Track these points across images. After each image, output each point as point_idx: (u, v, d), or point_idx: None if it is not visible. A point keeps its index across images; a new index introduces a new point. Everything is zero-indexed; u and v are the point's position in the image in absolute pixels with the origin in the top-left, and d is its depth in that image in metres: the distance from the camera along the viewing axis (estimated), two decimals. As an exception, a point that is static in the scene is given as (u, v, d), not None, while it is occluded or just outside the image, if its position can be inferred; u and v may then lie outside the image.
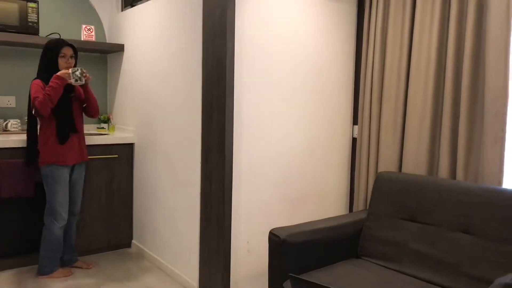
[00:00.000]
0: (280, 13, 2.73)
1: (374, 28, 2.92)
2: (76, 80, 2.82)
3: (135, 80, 3.63)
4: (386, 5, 2.87)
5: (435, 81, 2.60)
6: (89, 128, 3.92)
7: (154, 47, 3.32)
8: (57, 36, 3.38)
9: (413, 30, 2.72)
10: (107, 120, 3.99)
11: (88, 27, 3.74)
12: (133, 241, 3.74)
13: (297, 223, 2.54)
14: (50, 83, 2.81)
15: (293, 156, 2.88)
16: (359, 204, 3.03)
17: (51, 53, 2.90)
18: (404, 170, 2.77)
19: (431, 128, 2.64)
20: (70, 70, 2.82)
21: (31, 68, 3.81)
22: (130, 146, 3.67)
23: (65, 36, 3.82)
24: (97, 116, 3.20)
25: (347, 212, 3.22)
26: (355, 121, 3.19)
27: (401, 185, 2.55)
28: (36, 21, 3.44)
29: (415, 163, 2.71)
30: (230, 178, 2.58)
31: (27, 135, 3.04)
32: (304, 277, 1.54)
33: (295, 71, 2.84)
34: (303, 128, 2.92)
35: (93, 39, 3.76)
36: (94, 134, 3.62)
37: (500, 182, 2.33)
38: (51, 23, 3.81)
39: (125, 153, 3.64)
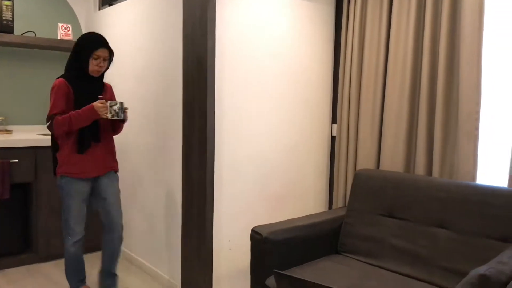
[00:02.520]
0: (260, 14, 2.75)
1: (352, 28, 2.98)
2: (113, 116, 2.44)
3: (113, 80, 3.60)
4: (363, 5, 2.93)
5: (412, 81, 2.67)
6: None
7: (133, 46, 3.30)
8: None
9: (390, 30, 2.78)
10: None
11: (65, 26, 3.69)
12: (112, 242, 3.70)
13: (278, 221, 2.58)
14: (80, 112, 2.44)
15: (273, 155, 2.91)
16: (339, 201, 3.09)
17: (84, 52, 2.49)
18: (382, 167, 2.83)
19: (408, 126, 2.71)
20: (108, 103, 2.44)
21: (7, 68, 3.74)
22: (109, 146, 3.63)
23: (41, 34, 3.76)
24: (118, 134, 2.78)
25: (327, 209, 3.27)
26: (334, 120, 3.24)
27: (379, 182, 2.61)
28: (11, 19, 3.38)
29: (393, 161, 2.77)
30: (212, 177, 2.59)
31: (51, 141, 2.67)
32: (287, 273, 1.57)
33: (275, 71, 2.87)
34: (283, 127, 2.95)
35: (70, 38, 3.71)
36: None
37: (474, 178, 2.41)
38: (27, 21, 3.74)
39: (104, 153, 3.60)
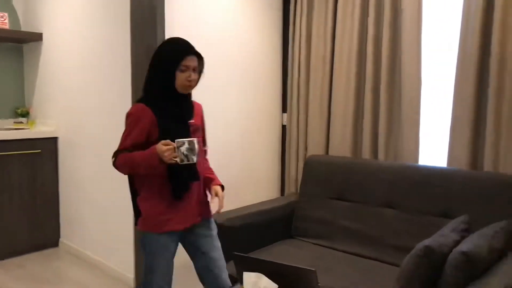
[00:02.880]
0: (210, 4, 2.74)
1: (300, 19, 3.04)
2: (183, 160, 1.74)
3: (57, 71, 3.45)
4: (310, -4, 3.00)
5: (357, 70, 2.78)
6: (4, 123, 3.67)
7: (78, 35, 3.18)
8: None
9: (336, 20, 2.87)
10: (26, 114, 3.75)
11: (1, 14, 3.49)
12: (60, 239, 3.57)
13: (233, 208, 2.60)
14: (139, 160, 1.80)
15: (226, 145, 2.93)
16: (291, 187, 3.16)
17: (168, 63, 1.85)
18: (331, 153, 2.93)
19: (354, 114, 2.81)
20: (175, 143, 1.73)
21: None
22: (54, 140, 3.49)
23: (-26, 23, 3.52)
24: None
25: (280, 195, 3.34)
26: (284, 109, 3.31)
27: (329, 167, 2.70)
28: None
29: (341, 147, 2.88)
30: (164, 167, 2.56)
31: (128, 181, 2.04)
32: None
33: (226, 62, 2.88)
34: (235, 117, 2.97)
35: (7, 27, 3.51)
36: (11, 129, 3.40)
37: (416, 159, 2.56)
38: (-43, 10, 3.50)
39: (48, 148, 3.46)
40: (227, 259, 2.35)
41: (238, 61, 2.96)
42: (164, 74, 1.85)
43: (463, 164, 2.35)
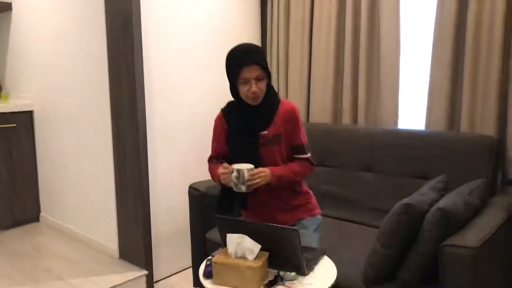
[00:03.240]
0: (185, -33, 2.67)
1: (278, -15, 3.00)
2: (234, 187, 1.71)
3: (29, 43, 3.34)
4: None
5: (336, 38, 2.77)
6: (-23, 97, 3.56)
7: (50, 5, 3.07)
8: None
9: (314, -14, 2.84)
10: (-2, 88, 3.64)
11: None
12: (41, 214, 3.53)
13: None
14: (213, 172, 1.88)
15: (207, 116, 2.89)
16: (272, 156, 3.17)
17: (229, 77, 1.81)
18: (311, 120, 2.94)
19: (334, 81, 2.82)
20: (233, 171, 1.69)
21: None
22: (29, 114, 3.41)
23: None
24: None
25: (261, 165, 3.34)
26: (263, 78, 3.28)
27: (309, 134, 2.69)
28: None
29: (321, 113, 2.89)
30: (145, 140, 2.54)
31: None
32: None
33: (204, 35, 2.82)
34: (216, 89, 2.94)
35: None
36: (-16, 104, 3.30)
37: (396, 124, 2.59)
38: None
39: (23, 122, 3.38)
40: (209, 228, 2.37)
41: (217, 33, 2.91)
42: (230, 87, 1.82)
43: (441, 127, 2.39)
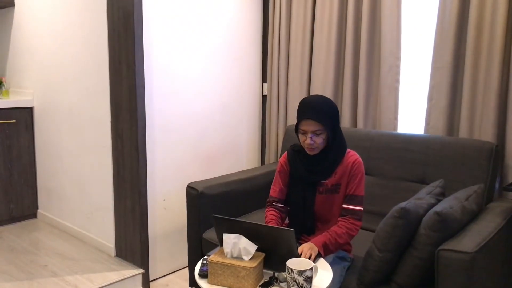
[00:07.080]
0: (188, -33, 2.68)
1: (280, -14, 3.00)
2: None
3: (31, 39, 3.34)
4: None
5: (337, 38, 2.77)
6: (-22, 92, 3.56)
7: (52, 1, 3.07)
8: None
9: (317, -12, 2.84)
10: (-1, 84, 3.64)
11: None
12: (39, 210, 3.53)
13: (213, 177, 2.60)
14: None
15: (207, 114, 2.91)
16: (271, 157, 3.18)
17: (296, 122, 1.83)
18: (311, 122, 2.94)
19: (334, 83, 2.82)
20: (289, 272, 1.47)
21: None
22: (29, 110, 3.41)
23: None
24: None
25: (260, 165, 3.35)
26: (264, 80, 3.29)
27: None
28: None
29: (321, 116, 2.88)
30: (144, 135, 2.54)
31: None
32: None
33: (207, 30, 2.83)
34: (216, 87, 2.94)
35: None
36: (-15, 99, 3.30)
37: (395, 127, 2.59)
38: None
39: (23, 117, 3.38)
40: (206, 228, 2.37)
41: (218, 30, 2.91)
42: (295, 131, 1.85)
43: (440, 132, 2.39)
